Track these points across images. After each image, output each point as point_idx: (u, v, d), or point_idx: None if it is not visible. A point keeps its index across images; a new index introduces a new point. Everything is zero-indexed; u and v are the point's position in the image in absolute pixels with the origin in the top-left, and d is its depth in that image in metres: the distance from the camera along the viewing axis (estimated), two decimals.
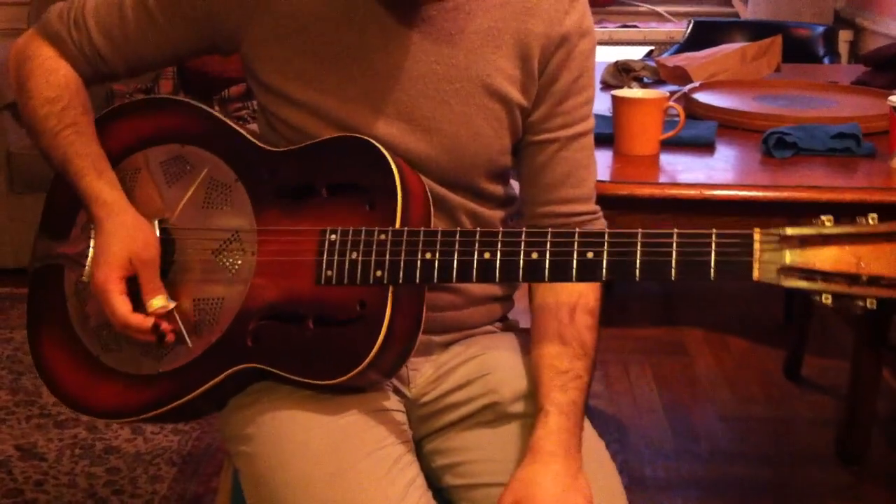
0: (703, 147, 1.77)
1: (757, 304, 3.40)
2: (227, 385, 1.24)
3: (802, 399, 2.81)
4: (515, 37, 1.25)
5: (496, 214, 1.35)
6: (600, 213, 1.35)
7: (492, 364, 1.32)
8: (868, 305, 0.95)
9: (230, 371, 1.21)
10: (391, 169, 1.17)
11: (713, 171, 1.67)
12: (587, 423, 1.30)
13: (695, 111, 1.95)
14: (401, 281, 1.14)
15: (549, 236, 1.09)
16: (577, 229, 1.08)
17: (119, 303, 1.22)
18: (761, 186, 1.57)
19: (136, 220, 1.25)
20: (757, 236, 1.00)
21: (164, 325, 1.23)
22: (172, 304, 1.23)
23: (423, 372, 1.33)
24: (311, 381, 1.18)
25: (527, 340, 1.42)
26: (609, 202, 1.54)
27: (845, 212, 1.55)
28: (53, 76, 1.30)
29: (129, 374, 1.27)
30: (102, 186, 1.25)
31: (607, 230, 1.07)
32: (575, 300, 1.27)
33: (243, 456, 1.24)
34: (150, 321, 1.22)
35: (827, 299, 0.96)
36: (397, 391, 1.33)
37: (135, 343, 1.26)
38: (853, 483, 2.41)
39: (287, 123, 1.27)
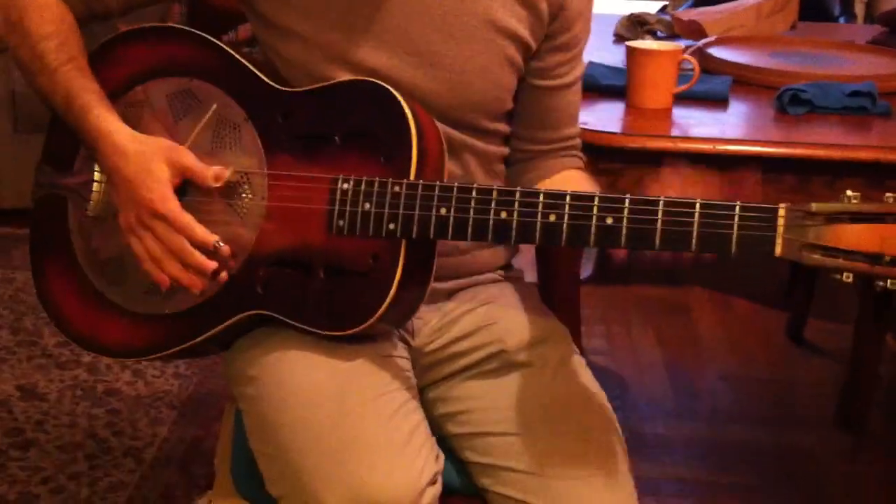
0: (717, 102, 1.75)
1: (761, 266, 3.38)
2: (234, 329, 1.23)
3: (804, 362, 2.81)
4: None
5: (499, 152, 1.35)
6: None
7: (497, 314, 1.32)
8: (889, 286, 0.94)
9: (238, 317, 1.20)
10: (408, 120, 1.14)
11: (726, 126, 1.65)
12: (589, 375, 1.30)
13: (709, 66, 1.92)
14: (414, 235, 1.12)
15: (567, 199, 1.06)
16: (598, 193, 1.06)
17: (186, 216, 1.17)
18: (774, 143, 1.56)
19: (153, 138, 1.21)
20: (782, 211, 0.97)
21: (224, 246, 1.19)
22: (228, 172, 1.20)
23: (427, 321, 1.32)
24: (319, 330, 1.17)
25: (532, 291, 1.42)
26: (620, 155, 1.54)
27: (859, 171, 1.54)
28: (47, 12, 1.25)
29: (134, 312, 1.26)
30: (113, 119, 1.21)
31: (629, 196, 1.04)
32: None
33: (247, 397, 1.24)
34: (213, 236, 1.17)
35: (848, 278, 0.95)
36: (402, 339, 1.32)
37: (139, 280, 1.24)
38: (853, 446, 2.41)
39: (288, 59, 1.25)
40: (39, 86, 1.25)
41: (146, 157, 1.18)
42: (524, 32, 1.26)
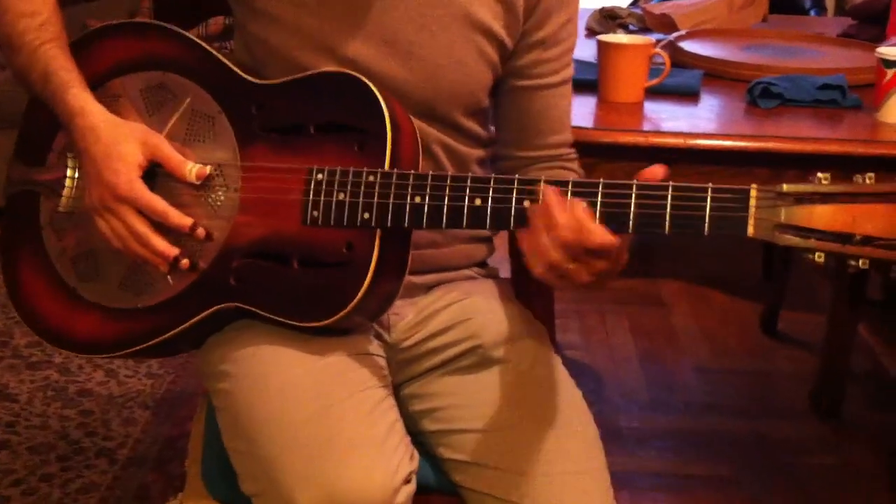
0: (688, 96, 1.75)
1: (735, 257, 3.40)
2: (207, 323, 1.22)
3: (779, 353, 2.82)
4: None
5: (473, 153, 1.33)
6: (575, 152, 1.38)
7: (473, 309, 1.31)
8: (860, 265, 0.95)
9: (212, 310, 1.19)
10: (382, 110, 1.14)
11: (698, 120, 1.65)
12: (564, 372, 1.30)
13: (680, 59, 1.92)
14: (389, 224, 1.12)
15: (541, 185, 1.06)
16: (572, 178, 1.06)
17: (156, 199, 1.17)
18: (746, 136, 1.56)
19: (129, 122, 1.21)
20: (754, 192, 0.98)
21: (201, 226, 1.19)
22: (208, 168, 1.20)
23: (403, 316, 1.32)
24: (294, 322, 1.17)
25: (508, 288, 1.41)
26: (592, 150, 1.53)
27: (829, 163, 1.55)
28: None
29: (106, 307, 1.25)
30: (89, 98, 1.21)
31: (602, 180, 1.04)
32: None
33: (221, 393, 1.23)
34: (190, 219, 1.18)
35: (820, 258, 0.96)
36: (378, 336, 1.31)
37: (113, 275, 1.24)
38: (828, 437, 2.43)
39: (265, 44, 1.25)
40: (19, 63, 1.25)
41: (117, 138, 1.18)
42: (499, 29, 1.25)
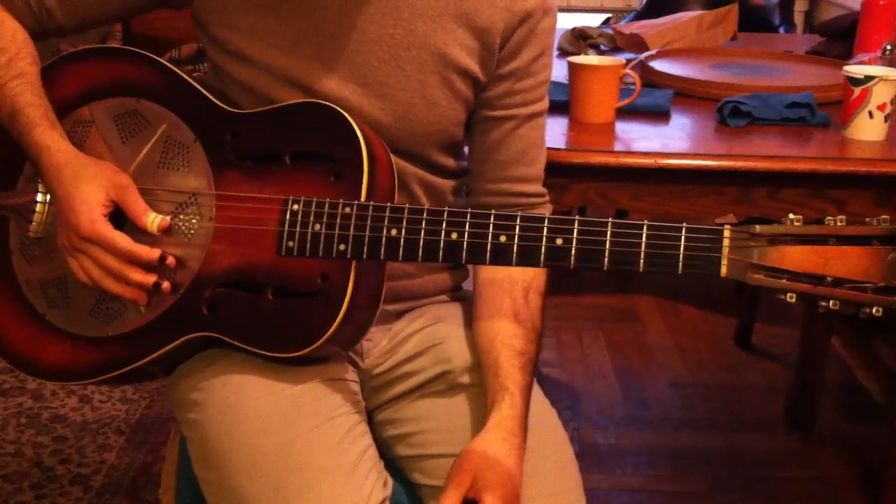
0: (659, 115, 1.76)
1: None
2: (180, 352, 1.21)
3: (753, 367, 2.84)
4: (477, 7, 1.23)
5: (448, 184, 1.34)
6: (548, 197, 1.35)
7: (443, 334, 1.31)
8: (831, 306, 0.97)
9: (183, 339, 1.18)
10: (359, 140, 1.14)
11: (668, 140, 1.66)
12: (539, 391, 1.30)
13: (651, 79, 1.94)
14: (365, 256, 1.12)
15: (518, 220, 1.07)
16: (547, 215, 1.06)
17: (119, 237, 1.15)
18: (716, 155, 1.57)
19: (97, 161, 1.20)
20: (727, 233, 1.00)
21: (170, 255, 1.18)
22: (168, 219, 1.19)
23: (377, 342, 1.32)
24: (267, 352, 1.16)
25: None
26: (564, 170, 1.54)
27: (799, 181, 1.56)
28: None
29: (76, 334, 1.24)
30: (56, 136, 1.19)
31: (578, 217, 1.05)
32: (529, 280, 1.26)
33: (191, 423, 1.22)
34: (157, 251, 1.16)
35: (792, 298, 0.98)
36: (352, 361, 1.31)
37: (83, 302, 1.23)
38: (802, 450, 2.44)
39: (239, 83, 1.24)
40: None
41: (81, 178, 1.17)
42: (474, 65, 1.25)
